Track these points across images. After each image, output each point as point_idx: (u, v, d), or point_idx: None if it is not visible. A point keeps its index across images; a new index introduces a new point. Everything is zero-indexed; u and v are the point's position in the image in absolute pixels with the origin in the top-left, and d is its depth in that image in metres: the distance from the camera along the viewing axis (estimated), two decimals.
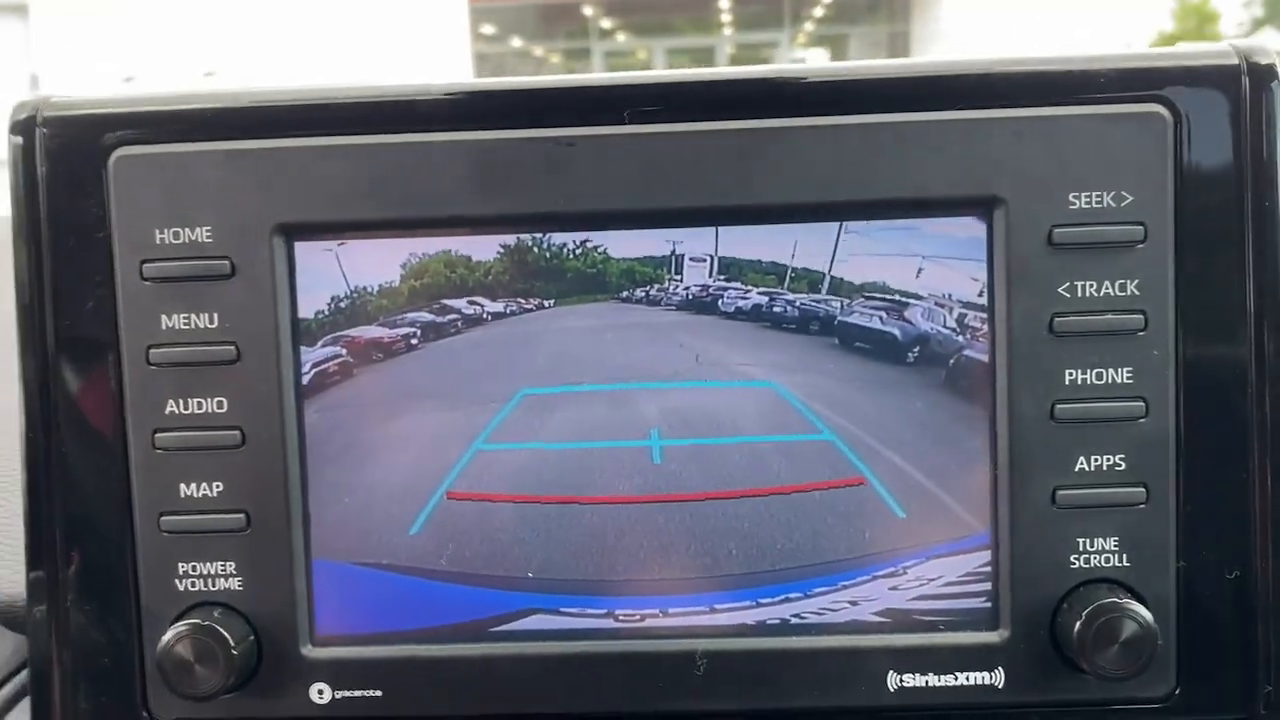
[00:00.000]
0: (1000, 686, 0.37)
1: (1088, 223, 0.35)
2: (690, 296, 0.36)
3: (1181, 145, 0.36)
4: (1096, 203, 0.35)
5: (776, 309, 0.36)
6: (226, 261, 0.36)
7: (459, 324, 0.37)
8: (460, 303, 0.37)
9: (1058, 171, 0.35)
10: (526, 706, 0.37)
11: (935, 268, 0.36)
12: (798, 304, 0.36)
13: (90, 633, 0.37)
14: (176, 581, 0.37)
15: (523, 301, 0.37)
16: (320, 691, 0.37)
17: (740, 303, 0.36)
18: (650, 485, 0.36)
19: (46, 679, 0.38)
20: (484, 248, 0.36)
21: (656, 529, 0.36)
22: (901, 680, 0.37)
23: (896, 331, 0.36)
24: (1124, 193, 0.35)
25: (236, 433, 0.36)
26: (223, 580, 0.37)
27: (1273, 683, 0.37)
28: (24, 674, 0.42)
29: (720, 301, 0.37)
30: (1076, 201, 0.35)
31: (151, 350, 0.36)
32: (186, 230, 0.36)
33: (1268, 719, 0.37)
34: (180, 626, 0.36)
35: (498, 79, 0.37)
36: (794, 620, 0.37)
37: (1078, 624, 0.35)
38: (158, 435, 0.36)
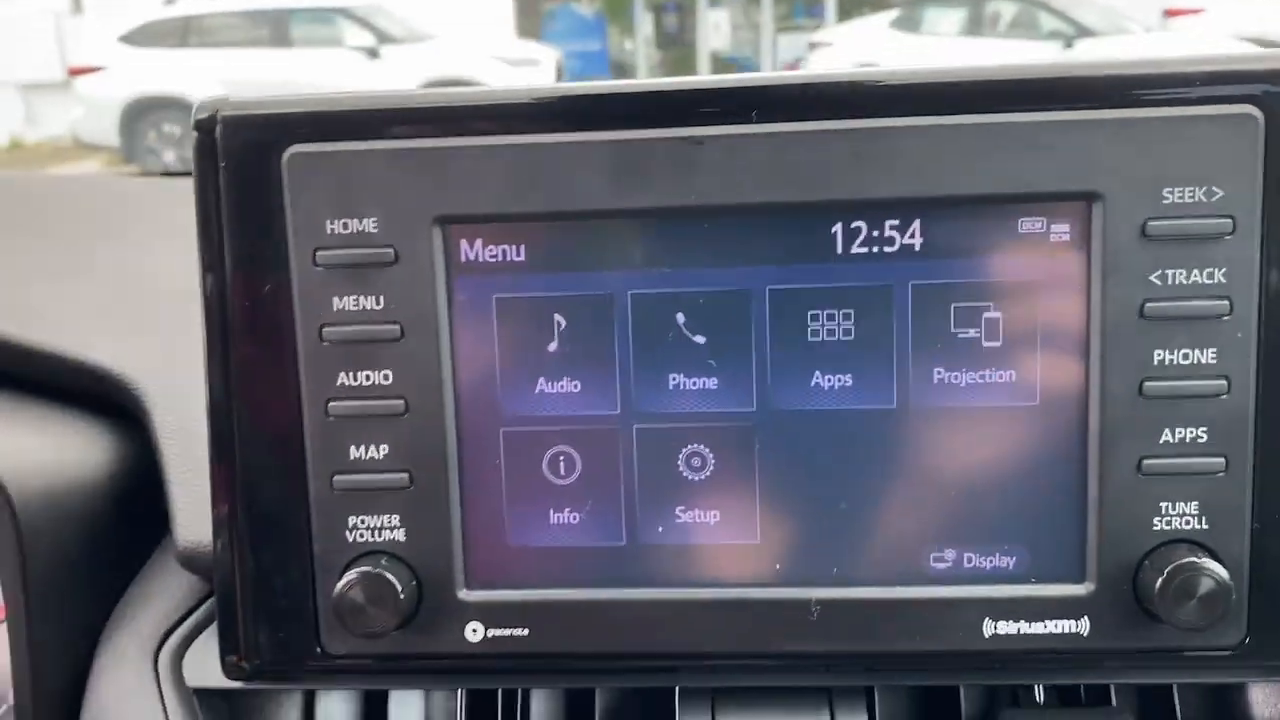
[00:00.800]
0: (1085, 634, 0.40)
1: (1179, 216, 0.38)
2: None
3: (1271, 143, 0.38)
4: (1189, 197, 0.38)
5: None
6: (391, 250, 0.40)
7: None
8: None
9: (1153, 168, 0.38)
10: (658, 646, 0.41)
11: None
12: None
13: (269, 576, 0.42)
14: (347, 533, 0.42)
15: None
16: (474, 630, 0.42)
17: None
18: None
19: (231, 615, 0.43)
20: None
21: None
22: (996, 627, 0.41)
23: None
24: (1215, 188, 0.38)
25: (400, 402, 0.41)
26: (388, 532, 0.42)
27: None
28: (199, 613, 0.47)
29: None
30: (1170, 196, 0.38)
31: (324, 329, 0.41)
32: (354, 221, 0.40)
33: None
34: (353, 573, 0.41)
35: (634, 81, 0.40)
36: (899, 572, 0.41)
37: (1159, 580, 0.39)
38: (330, 404, 0.41)
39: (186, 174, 0.45)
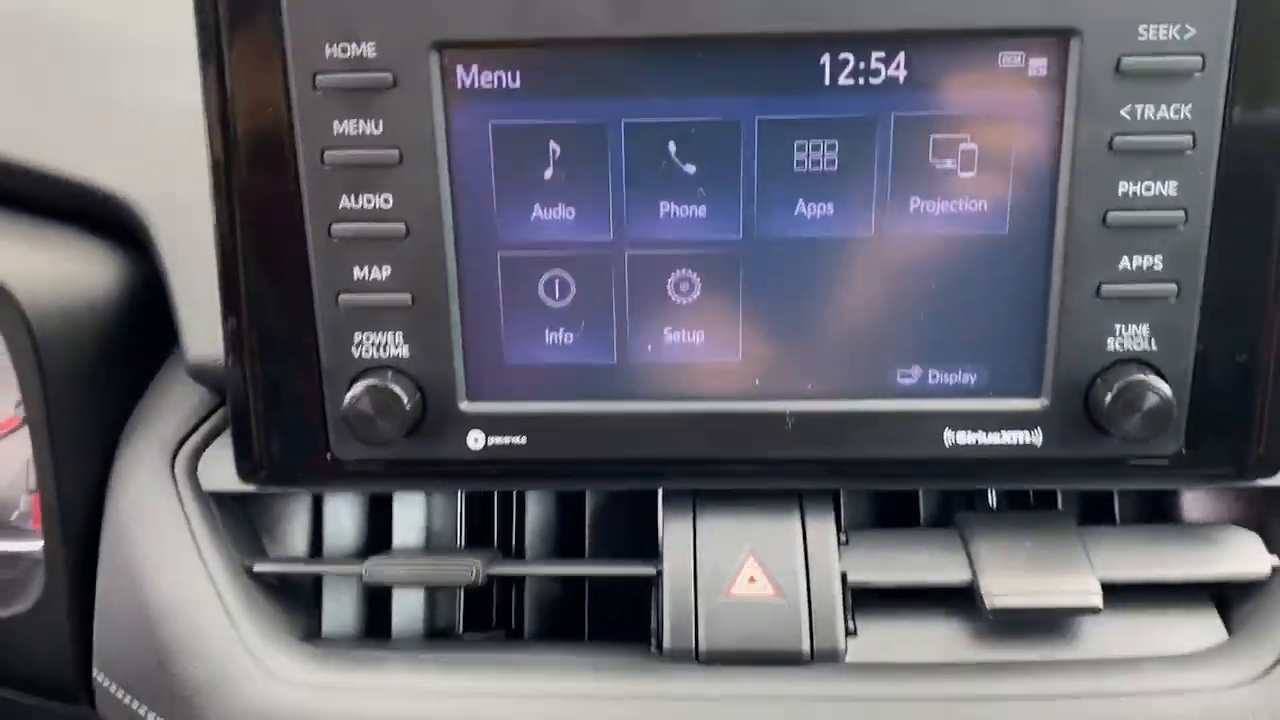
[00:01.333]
0: (1039, 445, 0.44)
1: (1153, 53, 0.40)
2: None
3: (1245, 28, 0.40)
4: (1163, 35, 0.40)
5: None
6: (389, 75, 0.41)
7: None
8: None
9: (1131, 5, 0.39)
10: (645, 453, 0.45)
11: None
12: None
13: (280, 389, 0.45)
14: (353, 349, 0.44)
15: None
16: (475, 438, 0.45)
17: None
18: None
19: (244, 424, 0.45)
20: None
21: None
22: (955, 438, 0.44)
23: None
24: (1188, 26, 0.40)
25: (401, 225, 0.42)
26: (393, 348, 0.44)
27: (1262, 447, 0.44)
28: (210, 422, 0.50)
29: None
30: (1145, 33, 0.40)
31: (325, 152, 0.42)
32: (353, 45, 0.41)
33: (1252, 474, 0.45)
34: (360, 386, 0.44)
35: None
36: (868, 387, 0.44)
37: (1109, 395, 0.42)
38: (333, 226, 0.42)
39: None
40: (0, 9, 0.53)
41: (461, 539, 0.51)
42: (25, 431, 0.63)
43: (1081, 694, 0.43)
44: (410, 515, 0.51)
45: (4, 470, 0.63)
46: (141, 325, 0.51)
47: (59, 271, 0.48)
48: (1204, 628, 0.45)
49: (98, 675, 0.49)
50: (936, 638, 0.45)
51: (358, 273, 0.43)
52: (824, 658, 0.44)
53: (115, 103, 0.51)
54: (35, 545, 0.61)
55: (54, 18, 0.53)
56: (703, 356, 0.45)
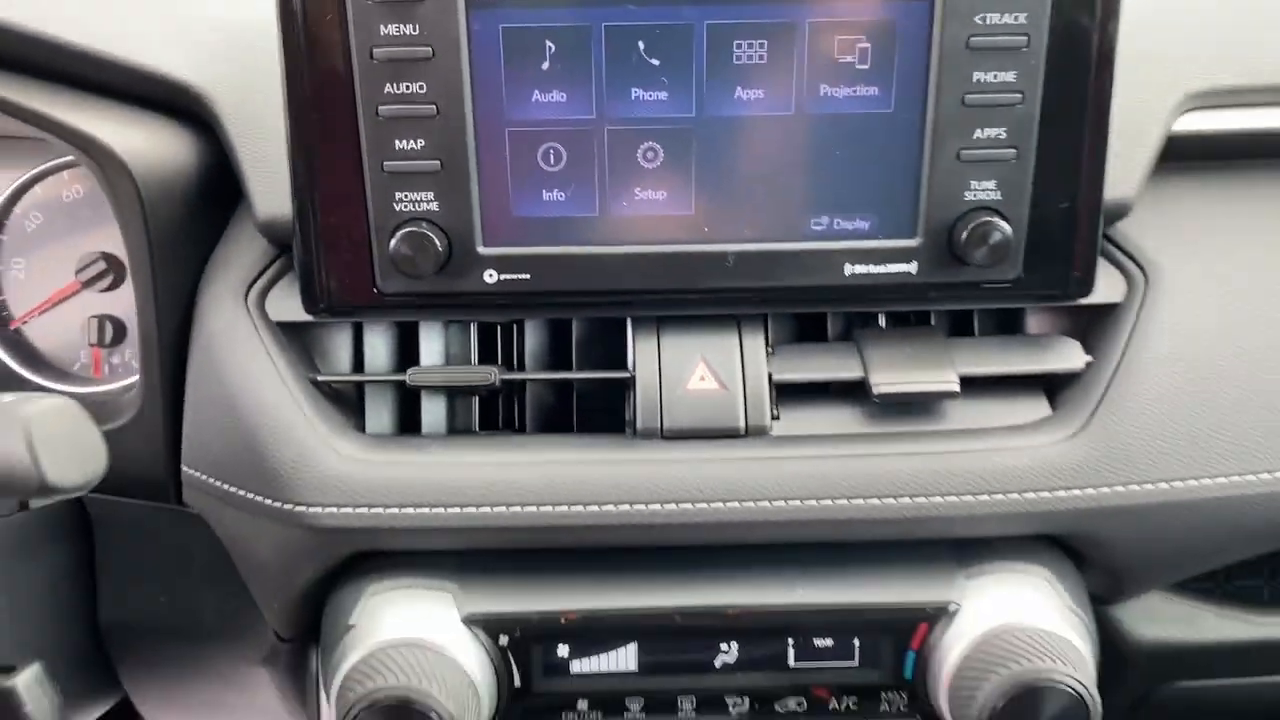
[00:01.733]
0: (914, 274, 0.59)
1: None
2: None
3: None
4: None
5: None
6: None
7: None
8: None
9: None
10: (621, 285, 0.58)
11: None
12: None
13: (337, 236, 0.58)
14: (394, 204, 0.57)
15: None
16: (490, 275, 0.58)
17: None
18: None
19: (309, 266, 0.58)
20: None
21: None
22: (854, 270, 0.59)
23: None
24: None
25: (432, 107, 0.55)
26: (426, 204, 0.57)
27: (1078, 271, 0.59)
28: (273, 268, 0.62)
29: None
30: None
31: (373, 49, 0.54)
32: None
33: (1074, 294, 0.60)
34: (401, 233, 0.57)
35: None
36: (789, 232, 0.58)
37: (965, 233, 0.57)
38: (380, 108, 0.55)
39: None
40: None
41: (475, 360, 0.64)
42: (84, 295, 0.75)
43: (944, 452, 0.58)
44: (433, 342, 0.64)
45: (65, 329, 0.75)
46: (209, 192, 0.63)
47: (150, 144, 0.60)
48: (1035, 407, 0.61)
49: (187, 470, 0.63)
50: (837, 417, 0.60)
51: (398, 144, 0.56)
52: (755, 433, 0.59)
53: (189, 10, 0.62)
54: (98, 388, 0.73)
55: None
56: (664, 210, 0.58)
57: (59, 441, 0.45)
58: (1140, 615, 0.68)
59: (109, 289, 0.74)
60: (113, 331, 0.74)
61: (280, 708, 0.73)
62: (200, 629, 0.70)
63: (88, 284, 0.74)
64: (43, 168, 0.74)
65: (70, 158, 0.73)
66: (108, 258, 0.73)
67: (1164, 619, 0.69)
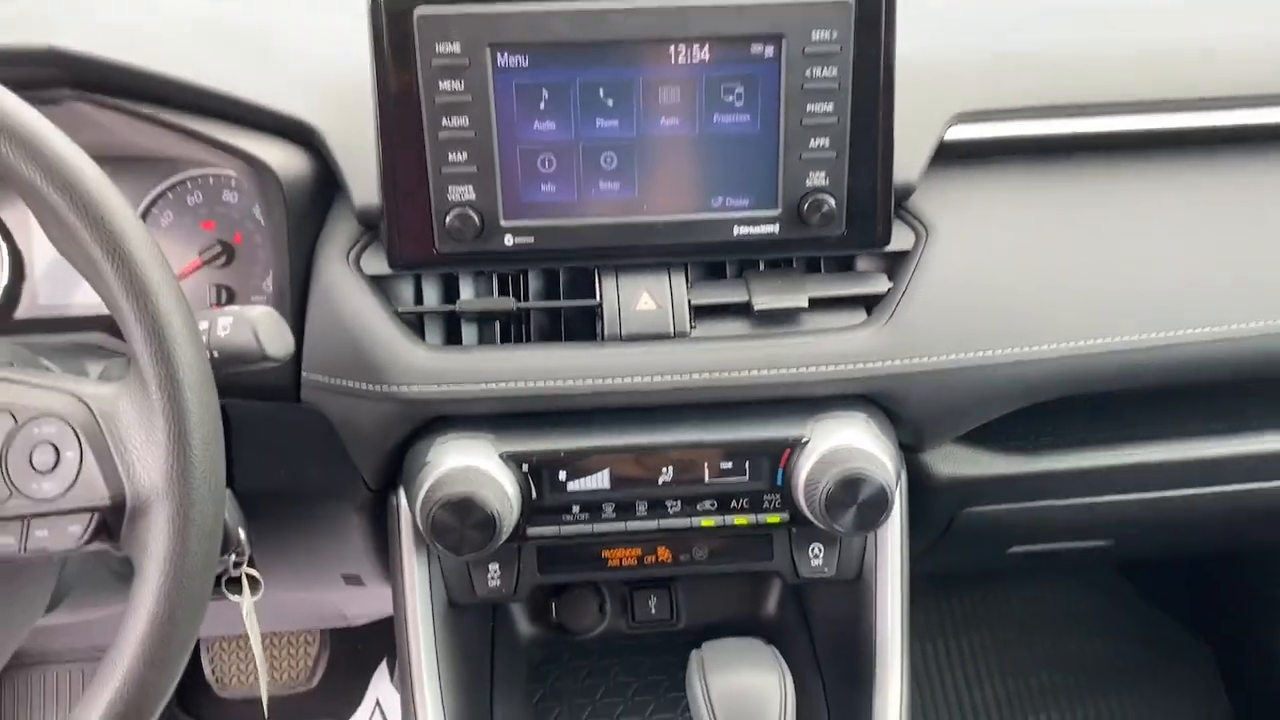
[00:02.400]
0: (776, 233, 0.91)
1: (820, 42, 0.85)
2: None
3: (859, 33, 0.86)
4: (824, 35, 0.85)
5: None
6: (466, 58, 0.84)
7: None
8: None
9: (807, 23, 0.86)
10: (595, 243, 0.90)
11: None
12: None
13: (412, 218, 0.89)
14: (448, 196, 0.88)
15: None
16: (509, 239, 0.90)
17: None
18: None
19: (393, 237, 0.89)
20: None
21: None
22: (738, 231, 0.91)
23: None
24: (834, 30, 0.86)
25: (472, 133, 0.85)
26: (468, 194, 0.88)
27: (880, 229, 0.93)
28: (364, 239, 0.94)
29: None
30: (815, 35, 0.86)
31: (435, 96, 0.85)
32: (449, 44, 0.84)
33: (878, 245, 0.94)
34: (451, 214, 0.88)
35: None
36: (699, 207, 0.91)
37: (806, 206, 0.89)
38: (439, 134, 0.85)
39: None
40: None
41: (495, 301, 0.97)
42: (205, 270, 1.05)
43: (798, 342, 0.91)
44: (468, 287, 0.95)
45: (190, 295, 1.06)
46: (317, 192, 0.95)
47: (282, 159, 0.92)
48: (857, 316, 0.94)
49: (307, 374, 0.94)
50: (732, 326, 0.92)
51: (450, 157, 0.87)
52: (679, 336, 0.90)
53: (305, 65, 0.94)
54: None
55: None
56: (618, 195, 0.89)
57: (269, 331, 0.77)
58: (940, 458, 1.02)
59: (223, 266, 1.05)
60: (226, 295, 1.05)
61: (362, 547, 1.05)
62: (308, 491, 1.01)
63: (208, 262, 1.05)
64: (174, 180, 1.06)
65: (192, 173, 1.04)
66: (221, 243, 1.05)
67: (956, 460, 1.03)
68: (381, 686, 1.78)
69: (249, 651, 1.72)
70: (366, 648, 1.75)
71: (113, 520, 0.66)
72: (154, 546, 0.63)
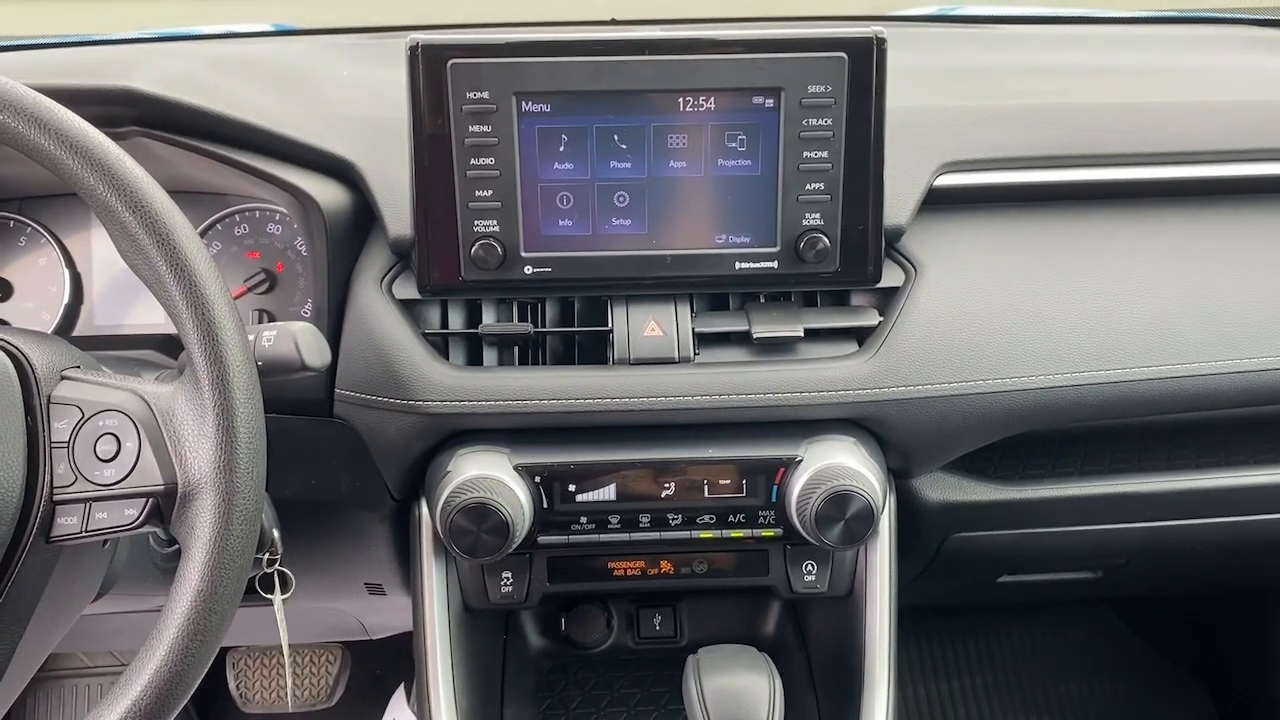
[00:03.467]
0: (776, 268, 0.99)
1: (816, 96, 0.94)
2: None
3: (852, 86, 0.95)
4: (820, 89, 0.94)
5: None
6: (494, 105, 0.93)
7: None
8: None
9: (805, 78, 0.95)
10: (604, 274, 0.99)
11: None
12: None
13: (441, 247, 0.97)
14: (474, 227, 0.97)
15: None
16: (528, 269, 0.98)
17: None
18: None
19: (424, 266, 0.98)
20: None
21: None
22: (739, 265, 0.99)
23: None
24: (829, 85, 0.95)
25: (497, 171, 0.94)
26: (492, 227, 0.97)
27: (871, 267, 1.00)
28: (396, 267, 1.02)
29: None
30: (812, 89, 0.94)
31: (465, 139, 0.94)
32: (478, 91, 0.93)
33: (870, 282, 1.01)
34: (477, 244, 0.97)
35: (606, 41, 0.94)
36: (704, 243, 0.99)
37: (802, 244, 0.97)
38: (468, 173, 0.94)
39: None
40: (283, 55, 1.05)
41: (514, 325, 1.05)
42: (249, 297, 1.14)
43: (793, 370, 0.98)
44: (490, 313, 1.03)
45: None
46: (354, 223, 1.04)
47: (324, 193, 1.00)
48: (849, 347, 1.01)
49: (340, 391, 1.02)
50: (733, 353, 1.00)
51: (477, 193, 0.96)
52: (683, 361, 0.98)
53: (345, 109, 1.04)
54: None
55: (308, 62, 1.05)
56: (630, 230, 0.98)
57: (309, 343, 0.85)
58: (928, 484, 1.09)
59: (265, 292, 1.14)
60: (268, 320, 1.14)
61: (385, 555, 1.12)
62: (336, 500, 1.09)
63: (252, 289, 1.14)
64: (224, 213, 1.15)
65: (240, 206, 1.13)
66: (265, 271, 1.13)
67: (944, 487, 1.09)
68: (399, 710, 1.83)
69: (273, 667, 1.78)
70: (386, 670, 1.81)
71: (165, 505, 0.73)
72: (200, 528, 0.71)
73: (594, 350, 0.99)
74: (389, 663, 1.83)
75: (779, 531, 1.00)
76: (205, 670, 0.72)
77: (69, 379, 0.77)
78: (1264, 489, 1.12)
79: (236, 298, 1.13)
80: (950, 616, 1.78)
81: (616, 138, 0.95)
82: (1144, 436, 1.12)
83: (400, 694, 1.84)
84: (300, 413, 1.03)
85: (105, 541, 0.86)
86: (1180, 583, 1.53)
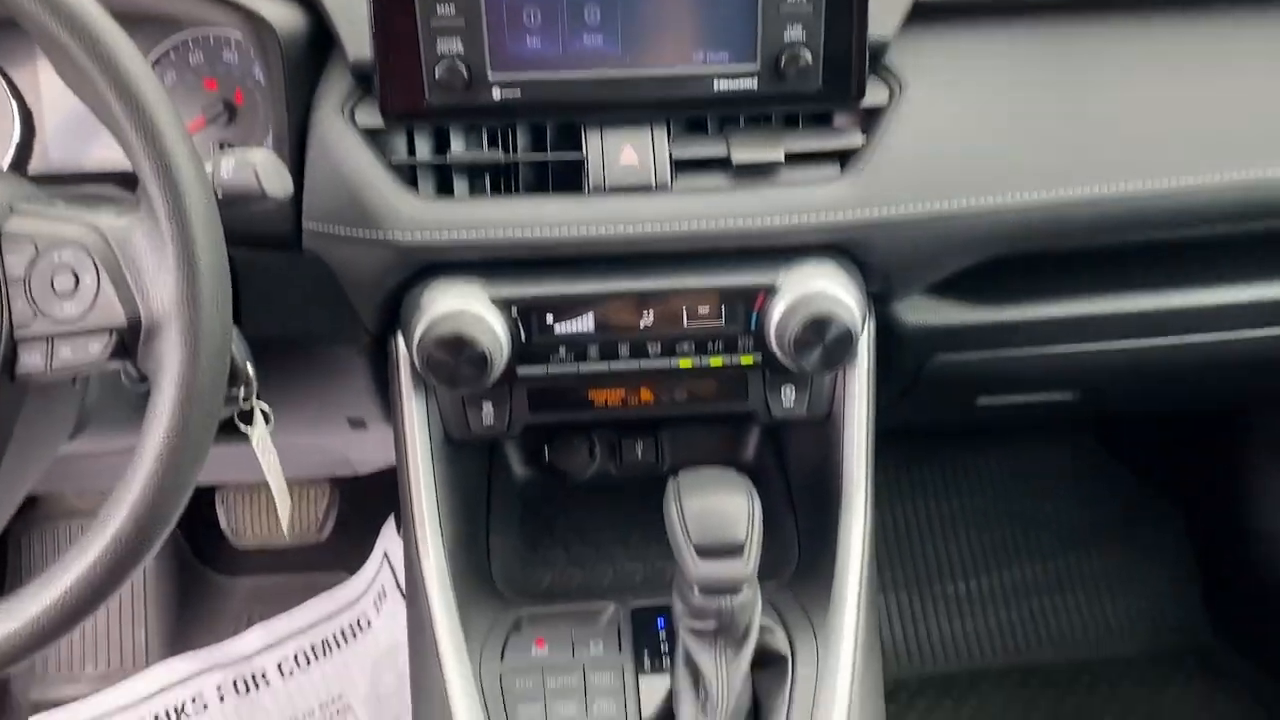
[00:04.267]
0: (755, 87, 0.95)
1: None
2: None
3: None
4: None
5: None
6: None
7: None
8: None
9: None
10: (577, 97, 0.95)
11: None
12: None
13: (405, 71, 0.92)
14: (436, 47, 0.92)
15: None
16: (495, 91, 0.94)
17: None
18: None
19: (385, 89, 0.94)
20: None
21: None
22: (719, 84, 0.95)
23: None
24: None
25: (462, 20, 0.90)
26: (457, 46, 0.92)
27: (855, 85, 0.96)
28: (357, 93, 0.98)
29: None
30: None
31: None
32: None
33: (853, 101, 0.97)
34: (441, 65, 0.92)
35: None
36: (684, 59, 0.95)
37: (784, 59, 0.91)
38: (431, 20, 0.90)
39: None
40: None
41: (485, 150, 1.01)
42: (209, 128, 1.09)
43: (774, 193, 0.96)
44: (458, 141, 1.00)
45: None
46: (312, 49, 0.99)
47: (279, 15, 0.95)
48: (831, 170, 0.99)
49: (308, 223, 0.99)
50: (712, 179, 0.97)
51: (439, 9, 0.91)
52: (661, 188, 0.96)
53: None
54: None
55: None
56: (603, 49, 0.92)
57: (268, 171, 0.82)
58: (908, 308, 1.08)
59: (226, 124, 1.09)
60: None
61: (366, 389, 1.12)
62: (313, 336, 1.08)
63: (211, 120, 1.09)
64: (175, 39, 1.09)
65: (193, 32, 1.08)
66: (224, 101, 1.08)
67: (923, 310, 1.08)
68: (389, 540, 1.87)
69: (263, 502, 1.81)
70: (374, 502, 1.84)
71: (130, 340, 0.72)
72: (167, 363, 0.70)
73: (568, 178, 0.95)
74: (378, 494, 1.87)
75: (758, 358, 0.99)
76: (183, 503, 0.72)
77: (20, 214, 0.74)
78: (1243, 306, 1.12)
79: (195, 129, 1.08)
80: (929, 440, 1.82)
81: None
82: (1124, 255, 1.11)
83: (390, 525, 1.88)
84: (269, 246, 1.00)
85: (75, 379, 0.85)
86: (1155, 402, 1.55)
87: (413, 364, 0.97)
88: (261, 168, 0.81)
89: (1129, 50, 1.02)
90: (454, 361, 0.91)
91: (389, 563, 1.87)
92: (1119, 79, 1.01)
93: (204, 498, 1.84)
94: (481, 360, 0.91)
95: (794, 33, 0.93)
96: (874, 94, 0.98)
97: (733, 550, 0.84)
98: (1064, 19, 1.02)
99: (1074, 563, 1.79)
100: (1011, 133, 1.00)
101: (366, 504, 1.90)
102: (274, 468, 0.98)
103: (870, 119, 0.98)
